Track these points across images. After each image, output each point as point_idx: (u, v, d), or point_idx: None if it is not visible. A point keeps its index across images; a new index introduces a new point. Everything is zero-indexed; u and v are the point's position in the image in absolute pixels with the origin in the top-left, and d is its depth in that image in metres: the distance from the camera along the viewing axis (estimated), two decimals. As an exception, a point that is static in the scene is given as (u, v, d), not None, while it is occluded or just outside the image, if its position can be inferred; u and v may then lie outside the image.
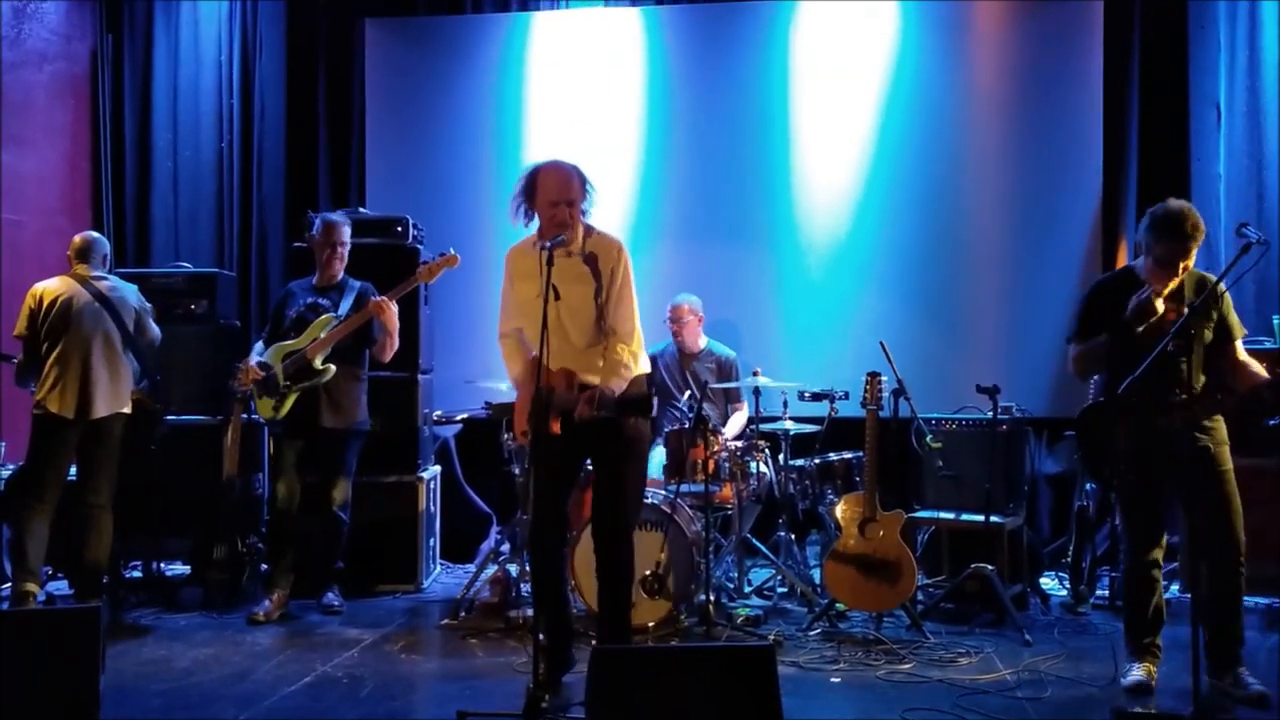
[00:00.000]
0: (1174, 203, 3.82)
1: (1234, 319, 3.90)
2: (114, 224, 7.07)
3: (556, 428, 3.69)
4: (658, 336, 5.98)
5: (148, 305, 5.25)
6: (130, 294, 5.17)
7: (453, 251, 4.99)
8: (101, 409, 4.95)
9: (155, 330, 5.26)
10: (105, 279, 5.14)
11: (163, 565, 5.65)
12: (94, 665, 3.06)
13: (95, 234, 5.31)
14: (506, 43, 6.83)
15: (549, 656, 3.80)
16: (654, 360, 5.84)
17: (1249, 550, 3.84)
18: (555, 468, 3.79)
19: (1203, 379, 3.83)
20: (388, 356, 5.15)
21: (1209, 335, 3.84)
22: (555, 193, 3.71)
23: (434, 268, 4.99)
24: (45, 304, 4.97)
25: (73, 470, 5.07)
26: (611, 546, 3.80)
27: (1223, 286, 3.81)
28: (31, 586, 4.85)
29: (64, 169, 6.91)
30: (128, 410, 5.08)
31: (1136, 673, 3.90)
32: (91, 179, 7.07)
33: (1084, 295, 4.17)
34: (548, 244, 3.62)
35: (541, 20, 6.85)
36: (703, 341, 5.87)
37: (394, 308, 5.00)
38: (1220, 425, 3.87)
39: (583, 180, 3.79)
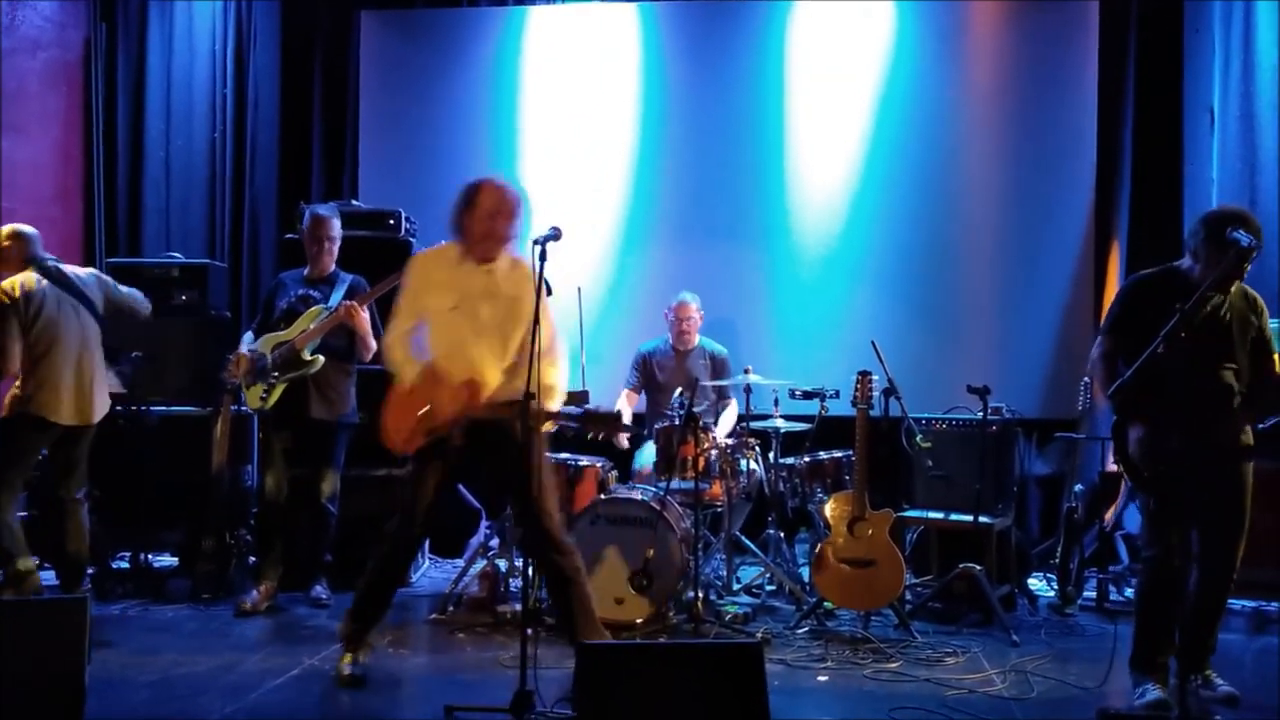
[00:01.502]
0: (1231, 209, 3.77)
1: (1269, 332, 3.76)
2: (106, 213, 7.02)
3: (459, 439, 3.79)
4: (653, 333, 6.00)
5: (109, 280, 5.09)
6: (92, 280, 5.05)
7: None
8: (98, 414, 4.91)
9: (138, 302, 5.14)
10: (61, 265, 4.98)
11: (150, 557, 5.63)
12: (80, 656, 3.06)
13: (22, 225, 5.03)
14: (502, 37, 6.81)
15: (359, 614, 4.00)
16: (648, 358, 5.87)
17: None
18: (452, 473, 3.94)
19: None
20: (367, 357, 5.12)
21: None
22: (496, 206, 3.78)
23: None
24: (21, 300, 4.76)
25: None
26: (552, 550, 3.76)
27: (1262, 300, 3.76)
28: (30, 563, 4.81)
29: (56, 157, 6.86)
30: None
31: (1154, 691, 3.69)
32: (84, 167, 7.02)
33: (1124, 290, 3.95)
34: (539, 240, 3.57)
35: (537, 15, 6.82)
36: (696, 338, 5.88)
37: (364, 313, 4.97)
38: (1249, 439, 3.73)
39: (520, 202, 3.85)
